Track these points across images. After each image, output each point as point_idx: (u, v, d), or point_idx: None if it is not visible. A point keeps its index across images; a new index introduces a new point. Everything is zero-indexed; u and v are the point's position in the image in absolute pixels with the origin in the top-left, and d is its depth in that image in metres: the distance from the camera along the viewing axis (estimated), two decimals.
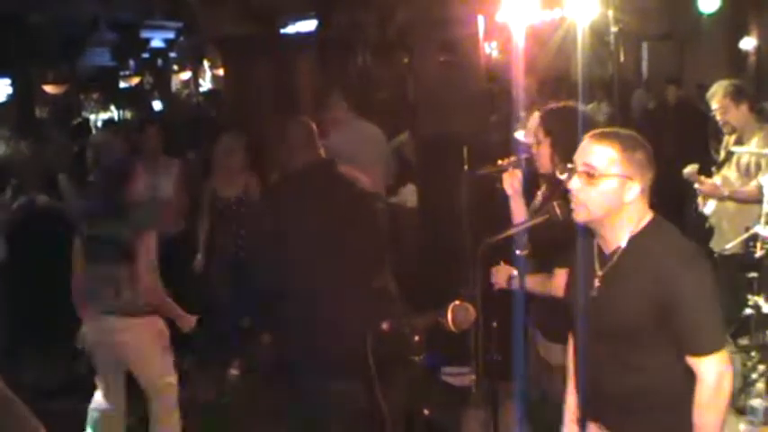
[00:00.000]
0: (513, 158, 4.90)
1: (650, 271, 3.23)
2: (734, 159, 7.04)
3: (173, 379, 5.87)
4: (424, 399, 5.45)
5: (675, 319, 3.17)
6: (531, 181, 4.86)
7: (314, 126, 5.31)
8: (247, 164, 7.89)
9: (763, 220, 6.27)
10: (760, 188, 6.72)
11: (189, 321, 5.83)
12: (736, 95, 7.06)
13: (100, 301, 5.58)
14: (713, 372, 3.17)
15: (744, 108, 7.06)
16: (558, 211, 3.43)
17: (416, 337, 3.03)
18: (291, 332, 5.05)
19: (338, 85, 9.24)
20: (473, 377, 5.90)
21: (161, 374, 5.79)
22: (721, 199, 7.04)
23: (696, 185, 7.11)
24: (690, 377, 3.22)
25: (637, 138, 3.32)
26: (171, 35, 21.47)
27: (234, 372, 8.00)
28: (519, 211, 4.81)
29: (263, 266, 5.22)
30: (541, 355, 4.73)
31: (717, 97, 7.13)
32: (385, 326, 2.99)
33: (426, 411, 5.53)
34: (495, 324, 4.60)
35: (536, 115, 5.20)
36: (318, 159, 5.23)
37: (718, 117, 7.18)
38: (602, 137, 3.30)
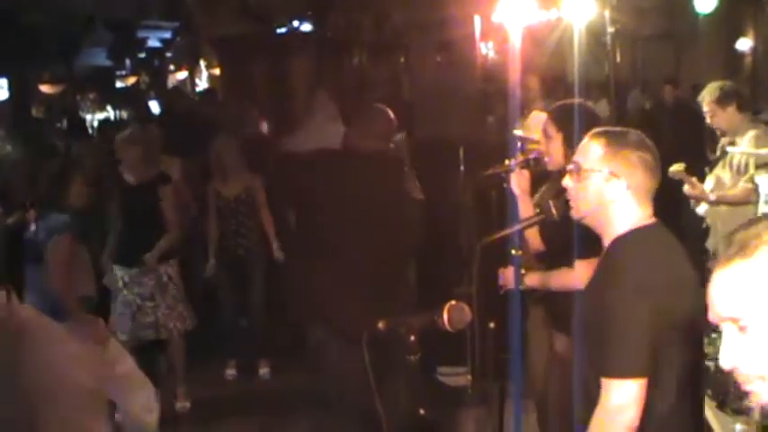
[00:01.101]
0: (520, 158, 4.90)
1: (600, 281, 3.18)
2: (727, 159, 7.06)
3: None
4: (420, 399, 5.46)
5: (602, 336, 3.05)
6: (536, 181, 4.87)
7: (394, 120, 5.45)
8: (245, 163, 7.89)
9: None
10: (746, 191, 6.80)
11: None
12: (722, 99, 7.09)
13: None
14: (611, 399, 2.99)
15: (731, 110, 7.08)
16: (553, 210, 3.43)
17: (412, 337, 3.02)
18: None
19: (325, 86, 9.25)
20: (469, 377, 5.91)
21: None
22: (710, 203, 7.06)
23: (685, 188, 7.12)
24: (657, 399, 3.08)
25: (633, 138, 3.23)
26: (167, 35, 21.46)
27: (231, 372, 7.99)
28: (527, 211, 4.80)
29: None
30: (559, 353, 4.67)
31: (705, 101, 7.18)
32: (381, 325, 2.98)
33: (422, 411, 5.54)
34: (492, 324, 4.60)
35: (535, 114, 5.20)
36: (386, 150, 5.39)
37: (708, 120, 7.22)
38: (595, 134, 3.26)
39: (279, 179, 7.70)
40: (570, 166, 3.28)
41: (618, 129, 3.33)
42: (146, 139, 7.53)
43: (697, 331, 3.25)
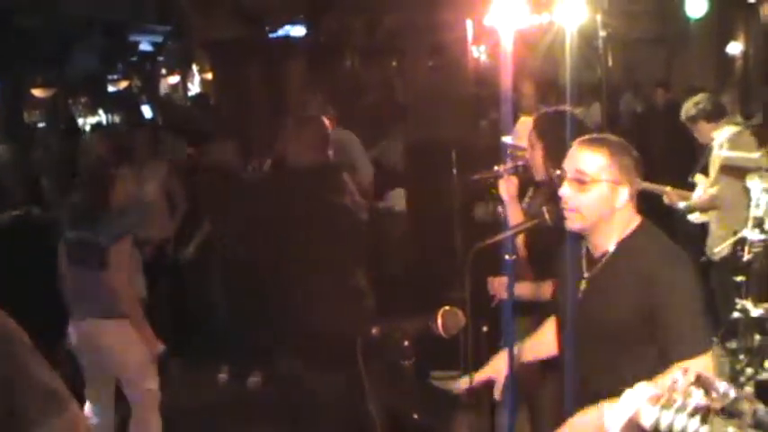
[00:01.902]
0: (509, 164, 4.90)
1: (636, 273, 3.23)
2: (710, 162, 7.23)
3: (154, 384, 5.87)
4: (414, 403, 5.46)
5: (659, 322, 3.14)
6: (524, 188, 4.87)
7: (327, 127, 5.30)
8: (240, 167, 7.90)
9: (750, 223, 6.29)
10: (709, 198, 7.16)
11: (155, 346, 5.80)
12: (690, 120, 7.46)
13: (81, 304, 5.61)
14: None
15: (701, 125, 7.41)
16: (547, 216, 3.43)
17: (406, 342, 3.03)
18: (267, 315, 5.07)
19: (321, 91, 9.25)
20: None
21: (142, 379, 5.78)
22: (681, 210, 7.23)
23: (664, 198, 7.27)
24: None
25: (624, 143, 3.33)
26: (159, 39, 21.44)
27: (223, 376, 7.99)
28: (516, 217, 4.80)
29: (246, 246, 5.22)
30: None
31: (682, 118, 7.56)
32: (375, 330, 2.99)
33: (416, 416, 5.55)
34: (485, 329, 4.60)
35: (523, 120, 5.20)
36: (326, 161, 5.20)
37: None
38: (591, 143, 3.32)
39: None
40: (572, 175, 3.30)
41: (604, 136, 3.41)
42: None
43: None
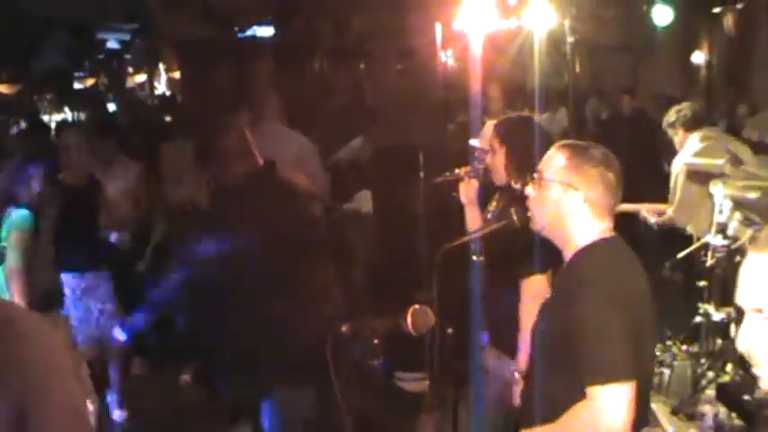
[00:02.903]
0: (469, 168, 4.93)
1: (567, 289, 3.20)
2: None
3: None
4: (380, 404, 5.48)
5: (573, 343, 3.04)
6: (488, 191, 4.88)
7: (247, 133, 5.13)
8: (197, 168, 7.87)
9: (713, 229, 6.37)
10: (669, 217, 7.26)
11: None
12: (670, 126, 7.64)
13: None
14: (604, 405, 2.95)
15: (679, 132, 7.55)
16: (515, 217, 3.46)
17: (375, 341, 3.04)
18: (226, 335, 4.96)
19: (286, 92, 9.24)
20: (427, 383, 5.93)
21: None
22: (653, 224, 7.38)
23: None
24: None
25: (598, 154, 3.24)
26: (127, 37, 21.33)
27: (186, 377, 7.96)
28: (474, 221, 4.83)
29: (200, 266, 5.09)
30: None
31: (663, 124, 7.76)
32: (344, 328, 3.00)
33: (383, 417, 5.57)
34: (450, 330, 4.62)
35: (490, 124, 5.23)
36: (257, 168, 5.05)
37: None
38: (562, 146, 3.30)
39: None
40: (535, 175, 3.32)
41: (585, 143, 3.34)
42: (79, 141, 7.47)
43: (652, 342, 3.31)
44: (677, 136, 7.55)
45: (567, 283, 3.26)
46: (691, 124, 7.48)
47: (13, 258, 5.57)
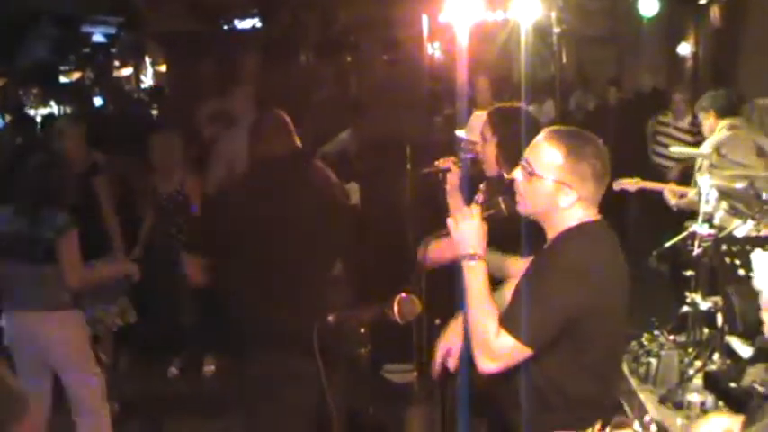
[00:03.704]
0: (456, 158, 4.94)
1: (537, 263, 3.36)
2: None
3: (98, 373, 5.85)
4: (368, 396, 5.48)
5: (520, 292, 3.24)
6: (476, 182, 4.88)
7: (287, 118, 5.26)
8: (185, 160, 7.86)
9: (700, 219, 6.40)
10: (690, 200, 7.25)
11: (129, 267, 6.09)
12: (702, 111, 7.73)
13: (20, 297, 5.54)
14: (501, 347, 3.17)
15: (710, 118, 7.61)
16: (503, 206, 3.46)
17: (362, 330, 3.05)
18: (246, 301, 4.99)
19: (245, 84, 9.23)
20: (415, 374, 5.93)
21: (86, 369, 5.76)
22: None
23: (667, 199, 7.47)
24: (582, 380, 3.28)
25: (590, 149, 3.29)
26: (112, 30, 21.23)
27: (174, 370, 7.96)
28: (457, 210, 4.83)
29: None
30: None
31: (696, 107, 7.96)
32: (331, 318, 3.00)
33: (371, 409, 5.57)
34: (437, 322, 4.62)
35: (477, 114, 5.22)
36: (295, 149, 5.16)
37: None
38: (555, 137, 3.30)
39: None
40: (524, 162, 3.33)
41: (575, 133, 3.35)
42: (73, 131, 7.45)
43: (622, 323, 3.38)
44: (708, 120, 7.57)
45: (541, 257, 3.36)
46: (725, 111, 7.52)
47: None
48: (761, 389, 5.47)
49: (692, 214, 6.96)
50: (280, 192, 4.88)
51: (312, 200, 5.01)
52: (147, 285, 7.27)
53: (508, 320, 3.19)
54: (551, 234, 3.35)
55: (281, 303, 4.76)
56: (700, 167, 7.34)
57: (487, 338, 3.18)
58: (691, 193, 7.31)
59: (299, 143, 5.18)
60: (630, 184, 7.51)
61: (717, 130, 7.43)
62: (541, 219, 3.37)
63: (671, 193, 7.53)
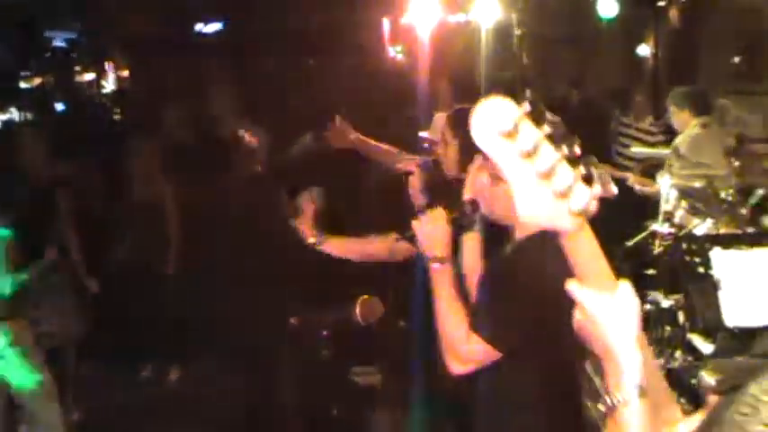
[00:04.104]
0: (419, 159, 4.95)
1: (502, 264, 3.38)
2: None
3: (47, 376, 5.85)
4: (333, 398, 5.49)
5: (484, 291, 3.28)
6: (438, 183, 4.89)
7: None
8: (161, 166, 7.85)
9: (660, 218, 6.47)
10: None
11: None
12: (676, 106, 7.75)
13: None
14: (470, 351, 3.19)
15: (685, 115, 7.66)
16: (468, 209, 3.47)
17: (324, 332, 3.06)
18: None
19: (221, 87, 9.23)
20: (380, 376, 5.95)
21: (35, 372, 5.75)
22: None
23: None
24: (547, 380, 3.28)
25: None
26: (74, 35, 21.07)
27: (145, 374, 7.93)
28: (421, 211, 4.85)
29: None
30: None
31: (668, 101, 7.94)
32: (294, 320, 3.01)
33: (335, 410, 5.58)
34: (402, 323, 4.64)
35: (440, 116, 5.25)
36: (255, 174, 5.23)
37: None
38: None
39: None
40: (489, 165, 3.35)
41: None
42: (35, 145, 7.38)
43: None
44: (682, 115, 7.64)
45: (507, 259, 3.36)
46: (701, 109, 7.61)
47: None
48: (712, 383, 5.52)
49: (652, 214, 7.03)
50: (236, 208, 4.92)
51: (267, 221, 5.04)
52: (116, 293, 7.28)
53: (476, 323, 3.20)
54: (518, 235, 3.34)
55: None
56: (671, 166, 7.42)
57: (456, 342, 3.19)
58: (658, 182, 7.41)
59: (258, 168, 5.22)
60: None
61: (691, 126, 7.52)
62: (506, 221, 3.37)
63: (636, 180, 7.63)
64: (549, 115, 1.69)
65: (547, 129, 1.68)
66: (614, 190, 1.75)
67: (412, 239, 3.52)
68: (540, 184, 1.73)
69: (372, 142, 5.99)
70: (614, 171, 7.83)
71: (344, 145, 5.83)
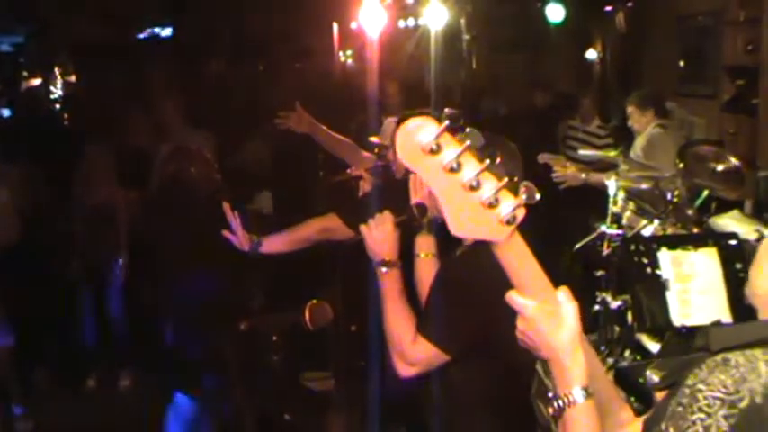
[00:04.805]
0: (369, 164, 4.97)
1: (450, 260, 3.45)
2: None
3: None
4: (285, 403, 5.48)
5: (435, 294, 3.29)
6: (388, 188, 4.91)
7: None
8: (111, 172, 7.79)
9: (608, 219, 6.54)
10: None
11: None
12: (638, 107, 8.10)
13: None
14: (416, 355, 3.22)
15: (647, 115, 8.05)
16: (415, 211, 3.49)
17: (275, 337, 3.06)
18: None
19: (182, 94, 9.19)
20: (333, 381, 5.95)
21: None
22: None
23: (555, 172, 7.57)
24: (496, 384, 3.33)
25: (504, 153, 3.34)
26: (20, 40, 20.84)
27: (91, 383, 7.85)
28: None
29: None
30: None
31: (628, 102, 8.26)
32: (243, 325, 3.01)
33: (287, 416, 5.57)
34: (353, 328, 4.65)
35: (391, 120, 5.26)
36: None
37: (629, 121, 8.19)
38: None
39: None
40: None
41: (488, 139, 3.37)
42: None
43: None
44: (644, 116, 7.84)
45: (456, 261, 3.40)
46: (663, 112, 7.83)
47: None
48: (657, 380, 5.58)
49: (600, 216, 7.10)
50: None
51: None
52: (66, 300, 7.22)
53: (424, 326, 3.22)
54: (468, 240, 3.36)
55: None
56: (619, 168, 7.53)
57: (404, 344, 3.21)
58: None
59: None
60: (554, 161, 7.69)
61: (652, 127, 7.72)
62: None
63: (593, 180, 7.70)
64: (468, 129, 1.73)
65: (468, 142, 1.72)
66: (537, 197, 1.78)
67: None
68: (467, 197, 1.77)
69: (332, 133, 6.02)
70: (570, 165, 7.87)
71: (305, 130, 5.85)
